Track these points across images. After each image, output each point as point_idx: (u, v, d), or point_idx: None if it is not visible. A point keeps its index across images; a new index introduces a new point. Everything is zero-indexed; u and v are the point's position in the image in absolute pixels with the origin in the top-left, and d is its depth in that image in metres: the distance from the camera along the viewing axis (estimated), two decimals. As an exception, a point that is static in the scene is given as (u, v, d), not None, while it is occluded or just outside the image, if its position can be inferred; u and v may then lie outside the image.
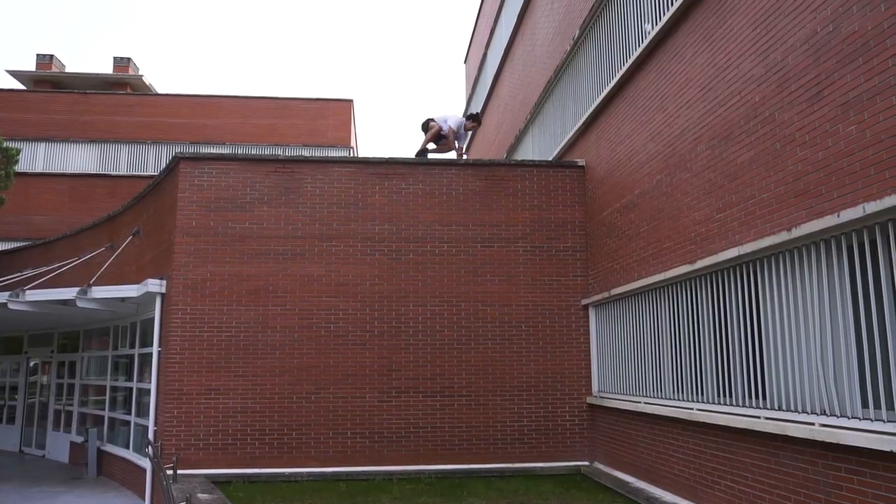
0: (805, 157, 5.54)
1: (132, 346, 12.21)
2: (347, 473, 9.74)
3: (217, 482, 9.16)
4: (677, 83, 7.78)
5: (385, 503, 8.25)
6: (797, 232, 5.51)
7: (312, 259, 10.34)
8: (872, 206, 4.69)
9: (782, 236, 5.70)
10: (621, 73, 9.21)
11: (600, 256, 10.20)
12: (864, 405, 4.92)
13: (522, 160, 11.15)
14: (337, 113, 26.30)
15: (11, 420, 17.07)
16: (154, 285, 10.30)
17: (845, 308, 5.13)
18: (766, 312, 6.09)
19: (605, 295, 9.74)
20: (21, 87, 30.01)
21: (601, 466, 9.84)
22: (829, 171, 5.25)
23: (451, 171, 10.81)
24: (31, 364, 17.04)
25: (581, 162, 10.96)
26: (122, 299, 11.27)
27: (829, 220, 5.13)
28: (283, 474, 9.65)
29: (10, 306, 11.54)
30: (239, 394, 9.87)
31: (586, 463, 10.18)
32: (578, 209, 10.88)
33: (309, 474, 9.67)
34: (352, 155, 26.17)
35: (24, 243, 19.67)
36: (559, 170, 11.02)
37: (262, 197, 10.41)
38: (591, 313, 10.53)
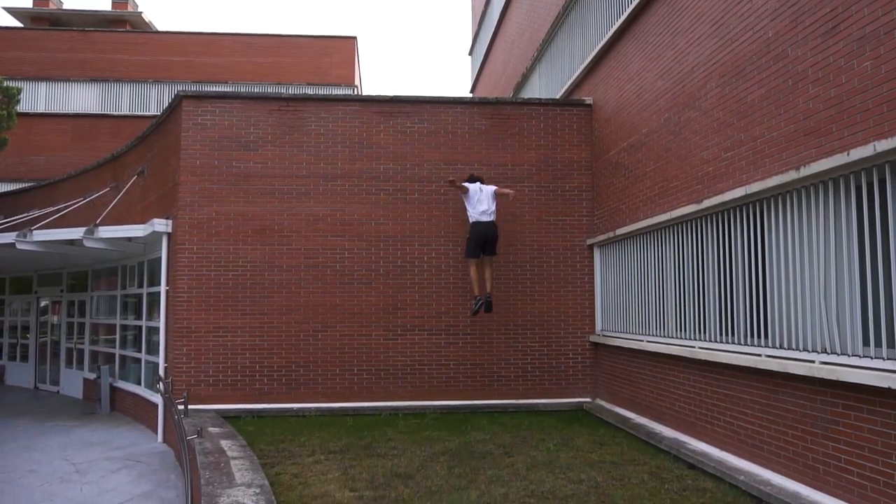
0: (817, 95, 5.44)
1: (140, 285, 12.32)
2: (354, 409, 9.96)
3: (227, 417, 9.39)
4: (689, 18, 7.58)
5: (391, 436, 8.46)
6: (805, 171, 5.46)
7: (317, 198, 10.32)
8: (883, 145, 4.63)
9: (790, 175, 5.65)
10: (631, 7, 8.97)
11: (606, 196, 10.16)
12: (865, 343, 4.97)
13: (529, 99, 10.97)
14: (341, 50, 25.82)
15: (25, 358, 17.41)
16: (160, 225, 10.34)
17: (850, 247, 5.13)
18: (771, 252, 6.09)
19: (611, 235, 9.73)
20: (18, 24, 29.49)
21: (603, 403, 10.03)
22: (840, 109, 5.16)
23: (456, 109, 10.67)
24: (42, 304, 17.26)
25: (588, 100, 10.80)
26: (129, 239, 11.32)
27: (838, 159, 5.07)
28: (291, 409, 9.88)
29: (18, 246, 11.61)
30: (247, 332, 10.01)
31: (588, 400, 10.38)
32: (585, 149, 10.77)
33: (317, 409, 9.89)
34: (356, 93, 25.82)
35: (28, 184, 19.65)
36: (566, 109, 10.86)
37: (265, 136, 10.33)
38: (596, 253, 10.55)
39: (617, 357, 9.65)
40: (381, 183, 10.45)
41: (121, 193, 12.67)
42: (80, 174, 15.43)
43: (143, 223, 10.93)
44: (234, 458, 6.59)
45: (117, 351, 13.38)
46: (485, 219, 9.66)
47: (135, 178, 12.46)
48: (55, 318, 16.78)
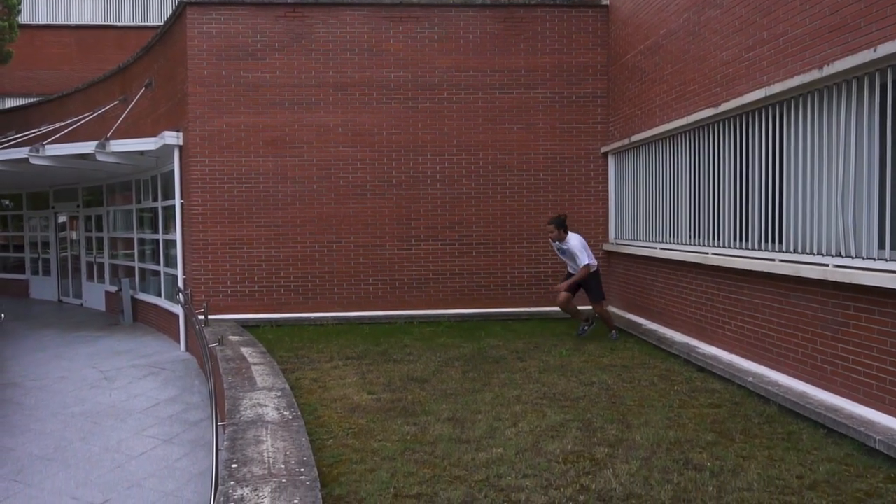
0: (845, -12, 5.19)
1: (155, 199, 12.39)
2: (370, 317, 10.17)
3: (246, 326, 9.63)
4: None
5: (407, 343, 8.67)
6: (829, 70, 5.28)
7: (328, 108, 10.18)
8: (912, 39, 4.45)
9: (813, 75, 5.47)
10: None
11: (622, 102, 9.93)
12: (881, 246, 4.95)
13: (543, 0, 10.58)
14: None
15: (48, 272, 17.78)
16: (171, 137, 10.28)
17: (871, 149, 5.02)
18: (789, 156, 5.98)
19: (625, 142, 9.58)
20: (13, -70, 28.38)
21: (615, 310, 10.16)
22: (869, 2, 4.93)
23: (467, 13, 10.32)
24: (60, 220, 17.46)
25: (605, 1, 10.39)
26: (141, 152, 11.29)
27: (864, 56, 4.89)
28: (308, 319, 10.10)
29: (32, 161, 11.64)
30: (262, 243, 10.12)
31: (601, 307, 10.51)
32: (600, 53, 10.46)
33: (333, 318, 10.11)
34: None
35: (37, 99, 19.48)
36: (581, 10, 10.47)
37: (273, 44, 10.09)
38: (611, 161, 10.42)
39: (630, 265, 9.70)
40: (391, 91, 10.26)
41: (130, 106, 12.55)
42: (88, 87, 15.24)
43: (153, 136, 10.87)
44: (255, 364, 6.80)
45: (136, 264, 13.61)
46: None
47: (143, 90, 12.30)
48: (73, 234, 17.01)
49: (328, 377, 6.96)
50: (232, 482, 3.74)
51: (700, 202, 7.68)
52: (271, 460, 4.08)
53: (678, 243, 8.20)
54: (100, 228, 15.48)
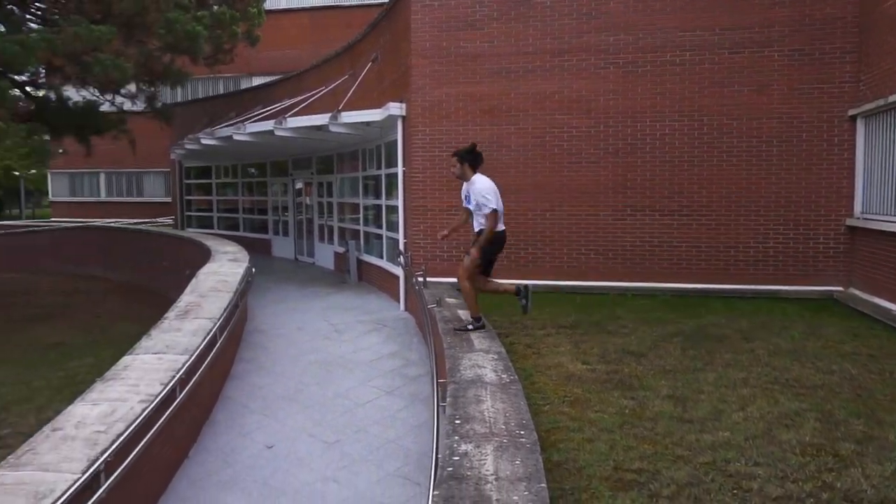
0: None
1: (378, 167, 13.21)
2: (582, 287, 10.06)
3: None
4: None
5: (620, 315, 8.47)
6: None
7: (544, 75, 10.11)
8: None
9: None
10: None
11: (878, 57, 8.73)
12: None
13: (784, -53, 9.55)
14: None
15: (286, 233, 19.84)
16: (395, 108, 10.85)
17: None
18: None
19: (881, 103, 8.43)
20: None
21: (857, 292, 9.09)
22: None
23: (696, -33, 9.63)
24: (297, 186, 19.32)
25: (862, -58, 9.15)
26: (367, 123, 12.06)
27: None
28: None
29: (276, 132, 12.96)
30: (477, 211, 10.38)
31: (840, 288, 9.46)
32: (850, 1, 9.25)
33: (545, 287, 10.13)
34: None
35: (277, 77, 21.58)
36: (832, -46, 9.32)
37: (491, 13, 10.19)
38: (860, 125, 9.24)
39: (880, 242, 8.59)
40: (609, 56, 9.93)
41: (357, 81, 13.43)
42: (321, 64, 16.55)
43: (379, 108, 11.55)
44: (472, 327, 7.04)
45: (361, 228, 14.67)
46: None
47: (369, 64, 13.09)
48: (307, 199, 18.75)
49: (542, 344, 7.03)
50: (456, 437, 3.92)
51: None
52: (492, 420, 4.22)
53: (946, 219, 7.11)
54: (330, 194, 16.89)
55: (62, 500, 3.99)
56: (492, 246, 6.47)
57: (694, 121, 9.74)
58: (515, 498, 3.10)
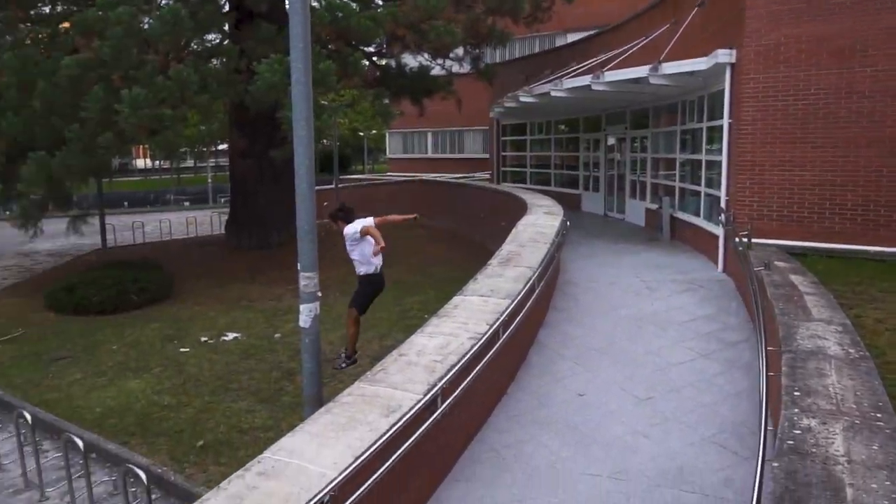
0: None
1: (699, 119, 12.45)
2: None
3: (791, 253, 9.06)
4: None
5: None
6: None
7: (916, 5, 8.51)
8: None
9: None
10: None
11: None
12: None
13: None
14: None
15: (596, 189, 19.84)
16: (723, 56, 10.06)
17: None
18: None
19: None
20: None
21: None
22: None
23: None
24: (609, 142, 19.14)
25: None
26: (690, 73, 11.39)
27: None
28: (865, 252, 8.94)
29: (593, 87, 12.91)
30: (817, 166, 9.26)
31: None
32: None
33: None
34: None
35: (592, 31, 21.38)
36: None
37: (849, -63, 8.82)
38: None
39: None
40: None
41: (681, 29, 12.70)
42: (640, 15, 15.97)
43: (704, 56, 10.81)
44: (808, 294, 6.37)
45: (676, 184, 14.05)
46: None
47: (694, 10, 12.28)
48: (618, 155, 18.49)
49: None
50: (795, 409, 3.61)
51: None
52: (839, 397, 3.79)
53: None
54: (643, 149, 16.43)
55: (408, 415, 4.59)
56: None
57: None
58: (874, 486, 2.77)
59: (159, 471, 6.35)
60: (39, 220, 13.01)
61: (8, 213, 16.37)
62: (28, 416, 6.52)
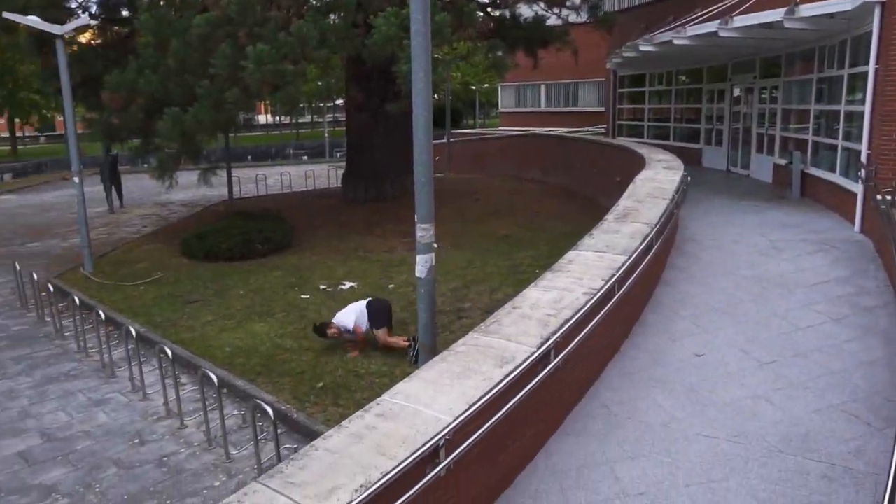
0: None
1: (840, 66, 11.46)
2: None
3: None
4: None
5: None
6: None
7: None
8: None
9: None
10: None
11: None
12: None
13: None
14: None
15: (719, 143, 18.80)
16: (872, -6, 9.18)
17: None
18: None
19: None
20: None
21: None
22: None
23: None
24: (735, 94, 18.01)
25: None
26: (832, 15, 10.45)
27: None
28: None
29: (720, 34, 12.15)
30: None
31: None
32: None
33: None
34: None
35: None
36: None
37: None
38: None
39: None
40: None
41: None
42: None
43: (849, -5, 9.89)
44: (960, 257, 5.82)
45: (810, 137, 13.09)
46: None
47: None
48: (744, 107, 17.39)
49: None
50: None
51: None
52: None
53: None
54: (773, 100, 15.36)
55: (522, 367, 4.63)
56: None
57: None
58: None
59: (283, 408, 6.76)
60: (174, 172, 13.86)
61: (146, 165, 17.56)
62: (169, 351, 7.10)
